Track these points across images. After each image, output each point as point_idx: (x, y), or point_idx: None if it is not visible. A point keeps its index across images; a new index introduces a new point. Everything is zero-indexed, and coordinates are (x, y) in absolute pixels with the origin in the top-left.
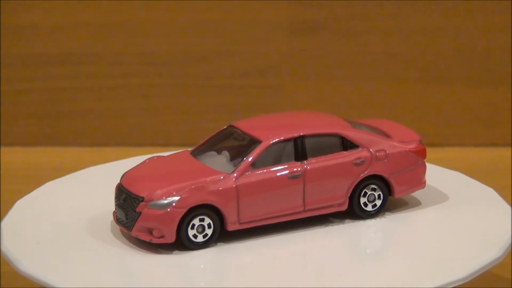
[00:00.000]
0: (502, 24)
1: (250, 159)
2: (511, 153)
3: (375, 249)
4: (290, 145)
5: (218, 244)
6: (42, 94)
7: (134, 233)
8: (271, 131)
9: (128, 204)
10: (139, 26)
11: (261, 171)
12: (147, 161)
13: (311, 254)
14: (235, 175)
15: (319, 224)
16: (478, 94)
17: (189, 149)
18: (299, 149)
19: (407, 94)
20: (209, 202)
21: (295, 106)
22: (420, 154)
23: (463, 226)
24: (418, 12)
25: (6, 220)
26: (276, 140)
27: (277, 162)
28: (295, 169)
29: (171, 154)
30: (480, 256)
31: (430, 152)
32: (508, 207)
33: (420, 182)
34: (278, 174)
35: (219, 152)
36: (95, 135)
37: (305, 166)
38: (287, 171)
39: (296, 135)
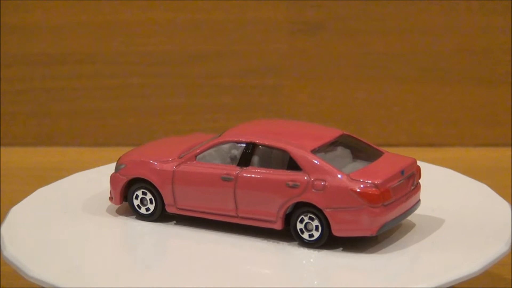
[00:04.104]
0: (502, 24)
1: (197, 150)
2: (511, 153)
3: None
4: (241, 149)
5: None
6: (42, 94)
7: None
8: (240, 132)
9: None
10: (139, 26)
11: (201, 165)
12: (190, 134)
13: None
14: (181, 161)
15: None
16: (478, 94)
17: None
18: (245, 155)
19: (407, 94)
20: (146, 178)
21: (295, 106)
22: (366, 197)
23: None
24: (418, 12)
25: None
26: (228, 139)
27: (224, 161)
28: (229, 172)
29: (208, 135)
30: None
31: (430, 152)
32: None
33: (363, 228)
34: (213, 172)
35: None
36: (95, 135)
37: (240, 172)
38: (221, 172)
39: (247, 140)
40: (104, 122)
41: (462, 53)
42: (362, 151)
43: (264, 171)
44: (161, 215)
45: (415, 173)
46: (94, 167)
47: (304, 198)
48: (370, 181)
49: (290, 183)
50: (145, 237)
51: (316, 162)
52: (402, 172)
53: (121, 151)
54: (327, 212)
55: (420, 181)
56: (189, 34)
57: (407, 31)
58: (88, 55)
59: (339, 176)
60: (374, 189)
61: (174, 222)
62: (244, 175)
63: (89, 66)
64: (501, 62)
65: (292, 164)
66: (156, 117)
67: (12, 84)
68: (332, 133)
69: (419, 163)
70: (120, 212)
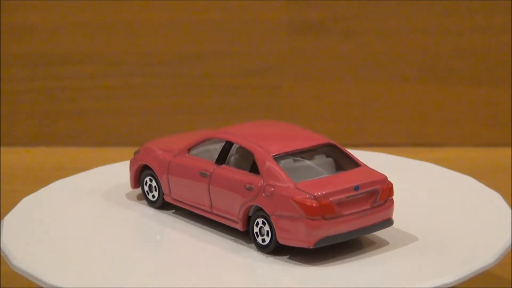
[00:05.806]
0: (502, 24)
1: (190, 144)
2: (511, 153)
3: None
4: (220, 147)
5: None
6: (42, 94)
7: None
8: (225, 130)
9: None
10: (139, 26)
11: (189, 158)
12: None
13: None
14: (177, 152)
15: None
16: (478, 94)
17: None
18: (223, 152)
19: (407, 94)
20: (150, 165)
21: (295, 106)
22: (303, 208)
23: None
24: (418, 12)
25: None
26: (211, 136)
27: (206, 156)
28: (206, 168)
29: None
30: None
31: (430, 152)
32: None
33: (300, 239)
34: (194, 166)
35: None
36: (95, 135)
37: (215, 170)
38: (201, 167)
39: (225, 138)
40: (104, 122)
41: (462, 53)
42: (341, 162)
43: (231, 170)
44: (165, 203)
45: (379, 190)
46: (94, 167)
47: (256, 202)
48: (310, 193)
49: (247, 186)
50: (140, 225)
51: (270, 167)
52: (355, 188)
53: (121, 151)
54: (272, 218)
55: (393, 197)
56: (189, 34)
57: (407, 31)
58: (88, 55)
59: (286, 184)
60: (312, 200)
61: (173, 211)
62: (217, 172)
63: (89, 66)
64: (501, 62)
65: (254, 167)
66: (156, 117)
67: (12, 84)
68: (314, 141)
69: (417, 162)
70: (140, 199)
